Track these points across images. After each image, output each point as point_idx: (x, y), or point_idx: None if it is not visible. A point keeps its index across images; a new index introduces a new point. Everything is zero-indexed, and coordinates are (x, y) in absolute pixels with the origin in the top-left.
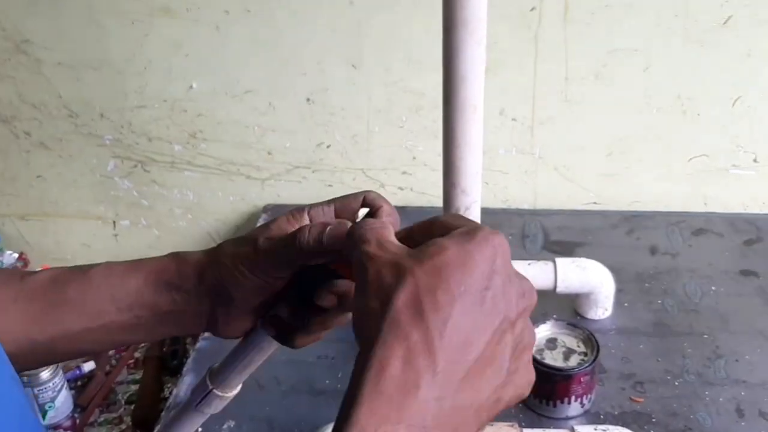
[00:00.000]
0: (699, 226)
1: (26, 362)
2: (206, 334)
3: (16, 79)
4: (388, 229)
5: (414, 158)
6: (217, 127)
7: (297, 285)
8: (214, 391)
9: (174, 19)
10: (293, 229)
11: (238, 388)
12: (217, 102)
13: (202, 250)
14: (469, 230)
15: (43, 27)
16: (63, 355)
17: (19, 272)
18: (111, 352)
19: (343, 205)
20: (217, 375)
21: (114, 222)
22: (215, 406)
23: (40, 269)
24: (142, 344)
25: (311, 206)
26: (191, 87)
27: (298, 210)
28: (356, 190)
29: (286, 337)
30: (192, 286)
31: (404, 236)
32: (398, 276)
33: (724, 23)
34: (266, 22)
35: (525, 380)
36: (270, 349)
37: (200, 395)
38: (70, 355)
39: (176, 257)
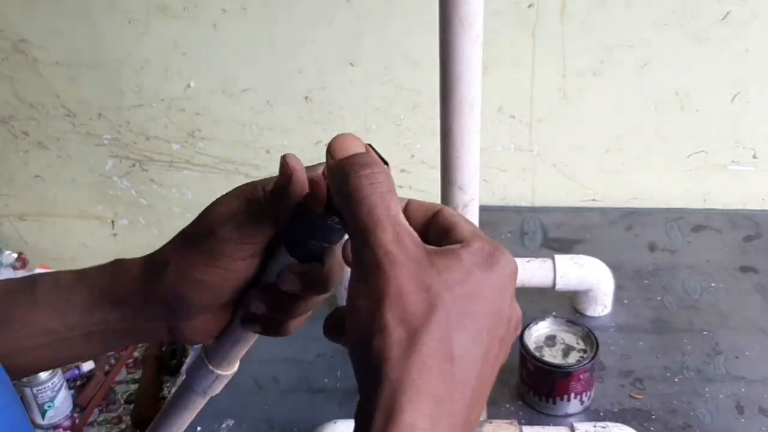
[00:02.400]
0: (698, 223)
1: None
2: None
3: (13, 79)
4: (395, 199)
5: (412, 156)
6: (215, 126)
7: (261, 271)
8: (213, 370)
9: (171, 17)
10: (250, 200)
11: (237, 365)
12: (215, 100)
13: (143, 257)
14: (491, 252)
15: (41, 26)
16: (20, 373)
17: None
18: (110, 352)
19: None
20: (214, 354)
21: (113, 221)
22: (215, 387)
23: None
24: (141, 344)
25: (260, 181)
26: (189, 86)
27: (240, 188)
28: None
29: (272, 329)
30: (137, 301)
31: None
32: (430, 305)
33: (723, 19)
34: (263, 20)
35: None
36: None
37: (198, 376)
38: (27, 371)
39: (116, 269)
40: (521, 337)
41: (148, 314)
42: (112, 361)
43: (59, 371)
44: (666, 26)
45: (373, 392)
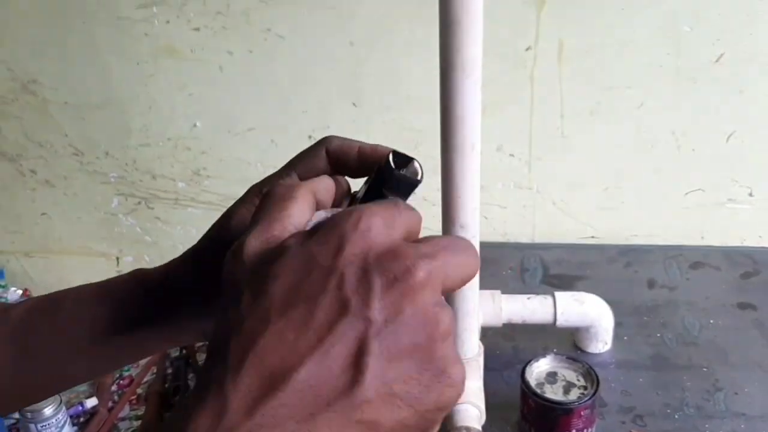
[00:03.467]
0: (696, 260)
1: (16, 401)
2: None
3: (22, 119)
4: (278, 208)
5: (414, 193)
6: (220, 165)
7: None
8: None
9: (178, 60)
10: None
11: None
12: (220, 140)
13: (163, 266)
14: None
15: (50, 68)
16: (51, 389)
17: (1, 308)
18: (113, 388)
19: (306, 169)
20: None
21: (117, 258)
22: None
23: (21, 300)
24: (145, 381)
25: (269, 183)
26: (195, 125)
27: (252, 194)
28: None
29: None
30: (163, 307)
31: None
32: (232, 306)
33: (716, 61)
34: (268, 62)
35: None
36: None
37: None
38: (58, 388)
39: (138, 280)
40: (522, 373)
41: (173, 321)
42: (116, 397)
43: (63, 408)
44: (661, 68)
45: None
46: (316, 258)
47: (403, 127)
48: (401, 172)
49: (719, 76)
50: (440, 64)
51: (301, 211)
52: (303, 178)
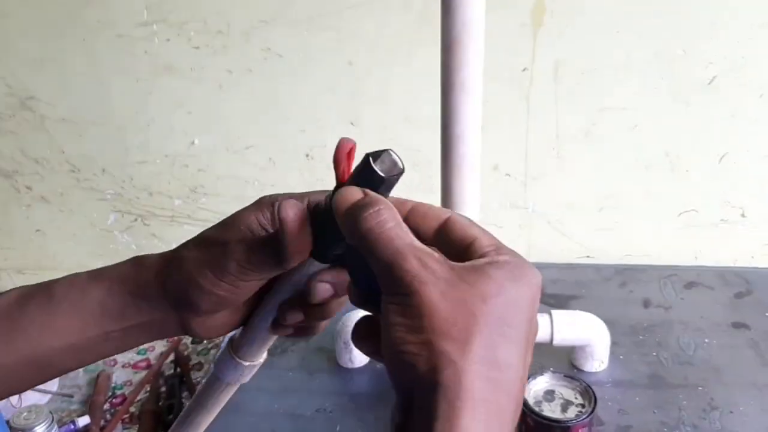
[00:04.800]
0: (690, 280)
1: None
2: None
3: (19, 135)
4: (405, 228)
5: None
6: (218, 182)
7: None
8: (240, 361)
9: (177, 78)
10: (264, 228)
11: (263, 355)
12: (218, 157)
13: (161, 253)
14: (517, 265)
15: (49, 84)
16: (35, 378)
17: None
18: (106, 407)
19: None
20: (240, 345)
21: None
22: (242, 377)
23: (11, 288)
24: (138, 399)
25: (277, 196)
26: (193, 143)
27: (263, 204)
28: None
29: (302, 332)
30: (155, 293)
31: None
32: (470, 315)
33: (709, 83)
34: (267, 81)
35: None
36: None
37: (224, 367)
38: (43, 377)
39: (136, 263)
40: None
41: (162, 309)
42: (108, 416)
43: (55, 426)
44: (655, 90)
45: (427, 402)
46: (532, 319)
47: (401, 147)
48: (380, 170)
49: (712, 98)
50: (441, 83)
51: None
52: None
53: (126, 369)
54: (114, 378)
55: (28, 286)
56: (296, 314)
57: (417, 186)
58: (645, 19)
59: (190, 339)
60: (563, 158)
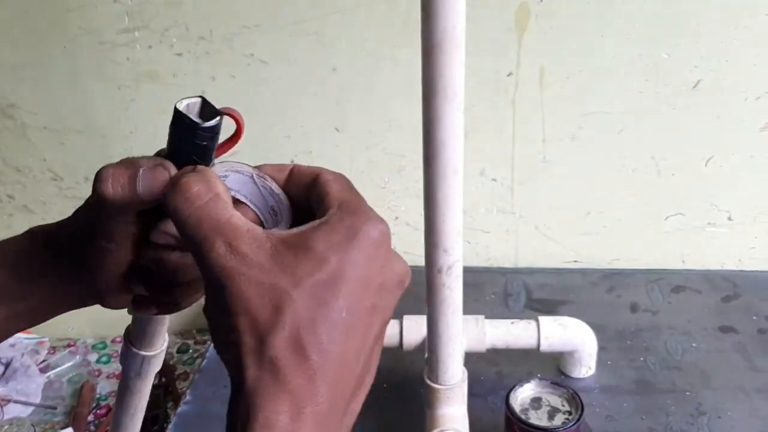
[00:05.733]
0: (678, 283)
1: None
2: (188, 398)
3: (0, 144)
4: (221, 202)
5: (396, 218)
6: None
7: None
8: (137, 352)
9: (160, 84)
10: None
11: (162, 343)
12: None
13: (55, 225)
14: (349, 226)
15: (30, 92)
16: None
17: None
18: (90, 418)
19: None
20: (135, 336)
21: None
22: (147, 368)
23: None
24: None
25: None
26: None
27: (117, 167)
28: None
29: (165, 307)
30: (52, 267)
31: (282, 177)
32: (275, 308)
33: (694, 87)
34: (251, 87)
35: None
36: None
37: (127, 360)
38: None
39: (32, 236)
40: (507, 399)
41: (63, 282)
42: (92, 427)
43: None
44: (641, 94)
45: (234, 402)
46: (370, 279)
47: (386, 152)
48: (198, 119)
49: (697, 102)
50: (422, 90)
51: (229, 197)
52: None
53: (111, 380)
54: (98, 389)
55: None
56: (136, 284)
57: (402, 192)
58: (629, 22)
59: (175, 349)
60: (550, 162)
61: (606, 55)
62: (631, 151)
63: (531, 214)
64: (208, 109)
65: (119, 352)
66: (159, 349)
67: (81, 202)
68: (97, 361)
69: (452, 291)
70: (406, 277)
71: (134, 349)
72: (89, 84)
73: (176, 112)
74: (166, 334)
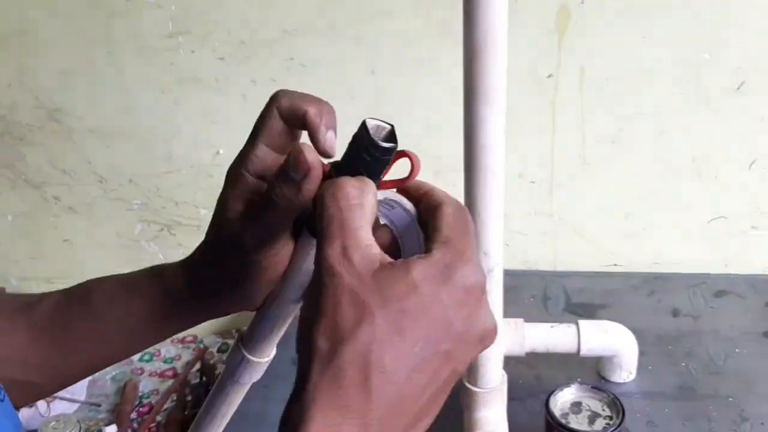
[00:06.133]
0: (720, 288)
1: (43, 390)
2: None
3: (47, 146)
4: (359, 212)
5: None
6: None
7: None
8: (246, 356)
9: (203, 89)
10: (244, 204)
11: (272, 352)
12: None
13: (181, 263)
14: (448, 264)
15: (76, 96)
16: (77, 378)
17: (23, 300)
18: (133, 416)
19: (269, 137)
20: (248, 339)
21: None
22: (250, 374)
23: (39, 294)
24: (164, 408)
25: (245, 162)
26: (218, 153)
27: (237, 176)
28: None
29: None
30: (187, 300)
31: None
32: (357, 320)
33: (738, 88)
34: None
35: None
36: (294, 305)
37: (232, 364)
38: (84, 376)
39: (157, 276)
40: (547, 403)
41: (191, 312)
42: (135, 425)
43: None
44: (682, 95)
45: (291, 404)
46: (453, 324)
47: (424, 154)
48: (377, 138)
49: (740, 103)
50: (464, 94)
51: (372, 216)
52: (269, 144)
53: (153, 378)
54: (141, 387)
55: (62, 294)
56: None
57: None
58: (671, 23)
59: (216, 348)
60: (589, 165)
61: (647, 56)
62: (672, 154)
63: (570, 217)
64: (393, 140)
65: (163, 351)
66: (267, 358)
67: (125, 204)
68: (140, 360)
69: (492, 294)
70: (489, 335)
71: (244, 352)
72: (133, 88)
73: (362, 125)
74: (275, 347)
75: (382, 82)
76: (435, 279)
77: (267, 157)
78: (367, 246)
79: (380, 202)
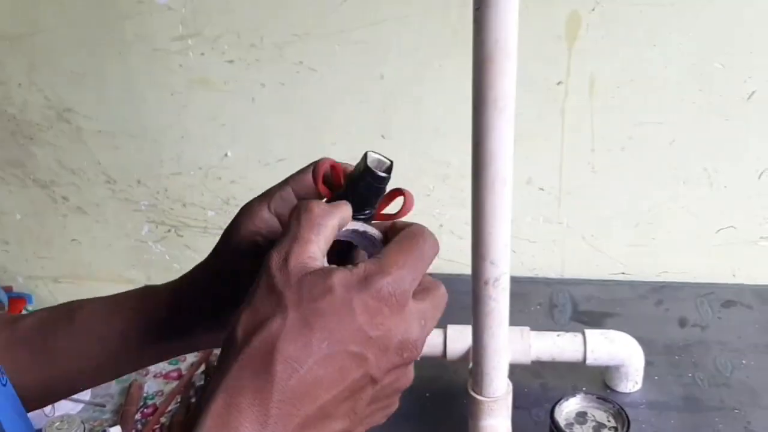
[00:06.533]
0: (728, 298)
1: (22, 402)
2: None
3: (56, 146)
4: (316, 229)
5: (441, 226)
6: (250, 194)
7: None
8: None
9: (212, 91)
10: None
11: None
12: (251, 169)
13: (168, 284)
14: (367, 275)
15: (86, 97)
16: (58, 395)
17: (7, 317)
18: (137, 417)
19: (298, 185)
20: None
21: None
22: None
23: (29, 311)
24: (169, 410)
25: (268, 198)
26: (226, 155)
27: (255, 208)
28: None
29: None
30: (172, 322)
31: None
32: (272, 313)
33: (748, 98)
34: (300, 94)
35: (382, 416)
36: None
37: None
38: (66, 394)
39: (147, 296)
40: (552, 412)
41: (182, 335)
42: (139, 426)
43: None
44: (693, 104)
45: (205, 386)
46: (363, 328)
47: (432, 160)
48: (374, 169)
49: (751, 113)
50: (473, 100)
51: (330, 236)
52: (295, 191)
53: (158, 379)
54: (146, 388)
55: (47, 311)
56: None
57: (448, 200)
58: (682, 32)
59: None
60: (598, 172)
61: (658, 64)
62: (682, 163)
63: (578, 225)
64: (389, 173)
65: None
66: None
67: (133, 205)
68: None
69: (498, 303)
70: (408, 347)
71: None
72: (143, 90)
73: (364, 156)
74: None
75: (391, 88)
76: (351, 286)
77: (289, 202)
78: (309, 257)
79: (353, 231)
